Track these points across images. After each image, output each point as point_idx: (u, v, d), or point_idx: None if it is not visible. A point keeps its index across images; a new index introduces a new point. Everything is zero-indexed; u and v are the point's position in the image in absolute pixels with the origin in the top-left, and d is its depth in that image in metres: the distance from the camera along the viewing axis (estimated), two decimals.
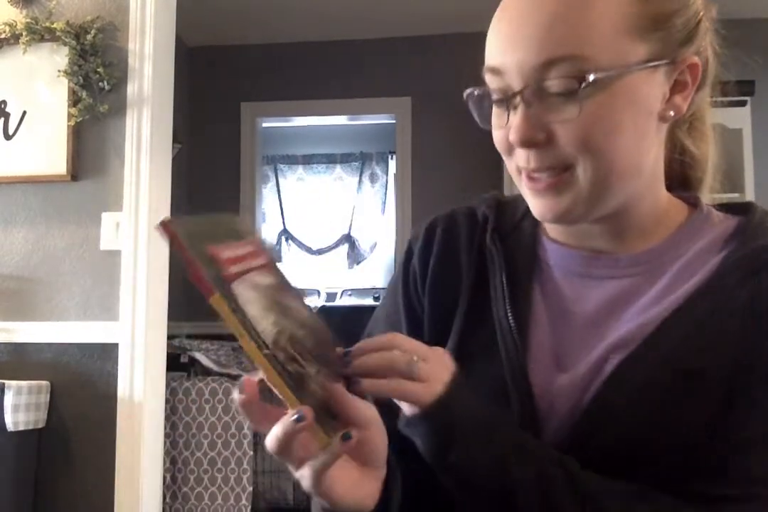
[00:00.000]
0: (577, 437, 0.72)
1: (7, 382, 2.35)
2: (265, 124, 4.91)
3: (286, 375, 0.58)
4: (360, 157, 6.62)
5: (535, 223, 0.83)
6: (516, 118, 0.70)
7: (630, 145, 0.70)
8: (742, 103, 3.96)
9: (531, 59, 0.68)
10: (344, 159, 6.68)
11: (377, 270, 6.58)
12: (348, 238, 6.67)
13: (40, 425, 2.50)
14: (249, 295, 0.59)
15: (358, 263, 6.71)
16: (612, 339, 0.73)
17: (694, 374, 0.69)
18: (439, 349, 0.69)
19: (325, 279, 6.70)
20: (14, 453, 2.42)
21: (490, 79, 0.73)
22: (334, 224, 6.64)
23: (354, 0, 4.12)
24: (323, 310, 5.23)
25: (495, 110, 0.74)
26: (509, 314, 0.76)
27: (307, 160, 6.74)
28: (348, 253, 6.73)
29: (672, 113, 0.73)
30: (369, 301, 5.92)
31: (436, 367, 0.66)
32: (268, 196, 6.67)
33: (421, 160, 4.55)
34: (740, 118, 3.94)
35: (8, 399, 2.32)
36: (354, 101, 4.67)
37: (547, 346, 0.76)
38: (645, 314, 0.74)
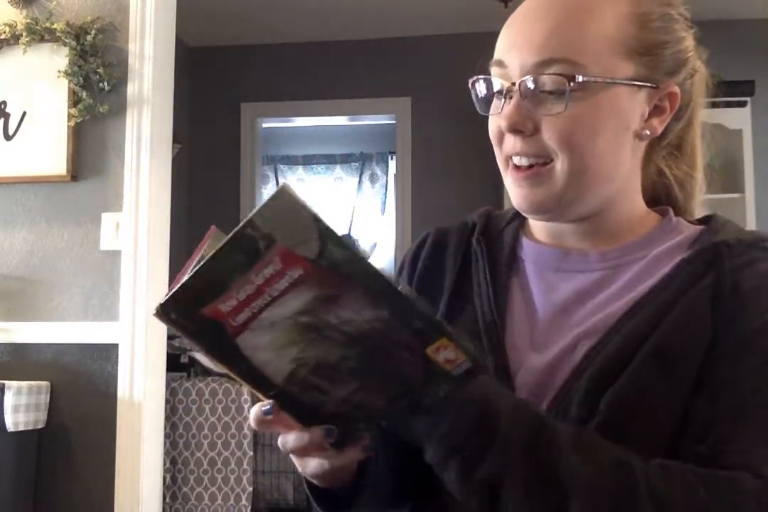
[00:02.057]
0: (553, 418, 0.75)
1: (7, 382, 2.35)
2: (265, 125, 4.91)
3: (296, 407, 0.63)
4: (360, 157, 6.62)
5: (518, 226, 0.90)
6: (509, 106, 0.78)
7: (605, 151, 0.78)
8: (742, 104, 3.96)
9: (531, 57, 0.77)
10: (344, 159, 6.68)
11: None
12: (348, 239, 6.67)
13: (40, 425, 2.50)
14: (261, 340, 0.60)
15: None
16: (582, 327, 0.79)
17: (661, 354, 0.73)
18: None
19: None
20: (14, 453, 2.42)
21: (495, 71, 0.81)
22: (333, 224, 6.64)
23: (354, 0, 4.12)
24: None
25: (494, 100, 0.82)
26: (493, 307, 0.83)
27: (307, 161, 6.73)
28: None
29: (648, 132, 0.81)
30: None
31: None
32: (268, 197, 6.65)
33: (421, 160, 4.55)
34: (740, 118, 3.94)
35: (8, 399, 2.32)
36: (354, 101, 4.67)
37: (522, 331, 0.82)
38: (612, 303, 0.79)
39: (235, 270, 0.57)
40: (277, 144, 6.26)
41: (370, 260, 0.58)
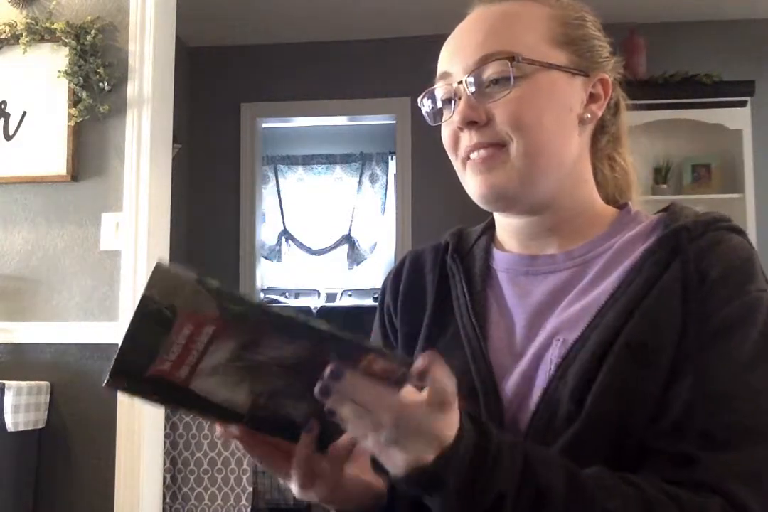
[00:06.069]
0: (540, 417, 0.77)
1: (7, 383, 2.35)
2: (265, 125, 4.91)
3: (271, 427, 0.66)
4: (360, 157, 6.63)
5: (489, 239, 0.94)
6: (460, 103, 0.83)
7: (554, 131, 0.83)
8: (742, 104, 3.96)
9: (472, 57, 0.84)
10: (344, 159, 6.69)
11: (377, 270, 6.58)
12: (348, 239, 6.68)
13: (40, 425, 2.50)
14: (211, 384, 0.63)
15: (358, 263, 6.72)
16: (553, 324, 0.82)
17: (634, 346, 0.75)
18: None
19: (325, 279, 6.70)
20: (14, 453, 2.42)
21: (440, 84, 0.87)
22: (334, 224, 6.64)
23: (354, 0, 4.12)
24: (323, 311, 5.23)
25: (445, 111, 0.87)
26: (472, 318, 0.86)
27: (307, 161, 6.74)
28: (348, 254, 6.74)
29: (589, 116, 0.86)
30: (369, 302, 5.92)
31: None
32: (267, 197, 6.67)
33: (421, 160, 4.54)
34: (740, 118, 3.94)
35: (8, 399, 2.32)
36: (354, 101, 4.67)
37: (501, 338, 0.85)
38: (582, 299, 0.82)
39: (155, 337, 0.61)
40: (277, 144, 6.27)
41: (265, 304, 0.62)
